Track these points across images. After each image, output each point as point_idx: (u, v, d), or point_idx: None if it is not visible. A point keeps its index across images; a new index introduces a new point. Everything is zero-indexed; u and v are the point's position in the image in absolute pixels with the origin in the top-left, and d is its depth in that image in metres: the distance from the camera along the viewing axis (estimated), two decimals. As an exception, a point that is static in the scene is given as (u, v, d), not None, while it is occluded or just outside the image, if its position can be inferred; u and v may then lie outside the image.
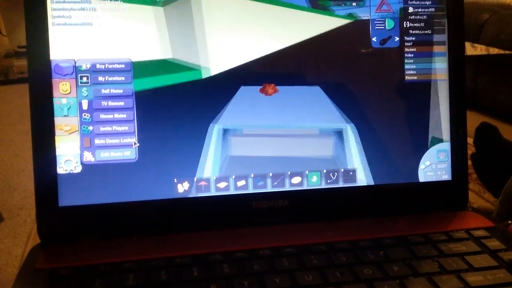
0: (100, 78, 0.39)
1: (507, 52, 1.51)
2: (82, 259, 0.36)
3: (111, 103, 0.39)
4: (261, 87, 0.42)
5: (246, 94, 0.41)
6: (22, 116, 1.76)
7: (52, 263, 0.36)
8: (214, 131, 0.41)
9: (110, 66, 0.39)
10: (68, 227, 0.39)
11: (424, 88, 0.44)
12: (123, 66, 0.39)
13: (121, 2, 0.39)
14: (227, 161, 0.41)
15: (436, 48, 0.45)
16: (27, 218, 1.08)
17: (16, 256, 1.01)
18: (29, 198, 1.15)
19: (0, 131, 1.65)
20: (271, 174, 0.42)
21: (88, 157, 0.39)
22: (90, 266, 0.35)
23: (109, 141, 0.39)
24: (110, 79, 0.39)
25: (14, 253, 1.01)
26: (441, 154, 0.44)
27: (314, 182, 0.42)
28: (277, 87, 0.42)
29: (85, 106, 0.39)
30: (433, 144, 0.44)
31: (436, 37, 0.45)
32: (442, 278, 0.34)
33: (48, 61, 0.38)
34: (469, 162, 0.52)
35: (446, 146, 0.44)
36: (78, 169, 0.39)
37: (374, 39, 0.44)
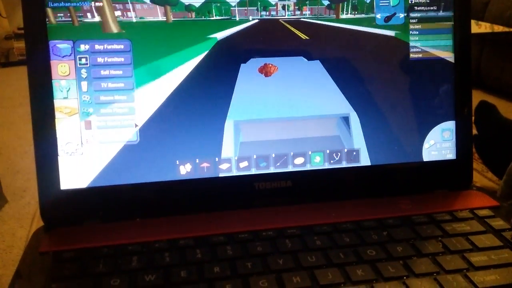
0: (99, 59, 0.39)
1: (511, 30, 1.49)
2: (85, 241, 0.36)
3: (111, 85, 0.39)
4: (261, 66, 0.41)
5: (247, 77, 0.41)
6: (24, 98, 1.75)
7: (56, 246, 0.36)
8: (221, 116, 0.40)
9: (109, 47, 0.39)
10: (71, 209, 0.39)
11: (429, 66, 0.44)
12: (122, 46, 0.39)
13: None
14: (235, 144, 0.41)
15: (442, 25, 0.44)
16: (31, 200, 1.09)
17: (20, 238, 1.01)
18: (33, 180, 1.15)
19: (2, 114, 1.65)
20: (273, 155, 0.41)
21: (89, 139, 0.39)
22: (94, 248, 0.35)
23: (110, 123, 0.39)
24: (110, 60, 0.39)
25: (19, 235, 1.02)
26: (445, 133, 0.44)
27: (317, 162, 0.42)
28: (277, 66, 0.41)
29: (84, 88, 0.38)
30: (437, 123, 0.44)
31: (442, 14, 0.44)
32: (446, 258, 0.34)
33: (46, 43, 0.38)
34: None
35: (451, 125, 0.44)
36: (79, 151, 0.39)
37: (378, 16, 0.43)
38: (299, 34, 0.42)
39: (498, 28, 1.54)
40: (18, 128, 1.50)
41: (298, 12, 0.42)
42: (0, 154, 1.26)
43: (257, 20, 0.41)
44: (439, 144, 0.44)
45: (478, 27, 1.58)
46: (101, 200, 0.39)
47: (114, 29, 0.39)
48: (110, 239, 0.36)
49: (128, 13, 0.39)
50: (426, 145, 0.43)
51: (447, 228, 0.38)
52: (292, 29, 0.42)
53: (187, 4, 0.40)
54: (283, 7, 0.42)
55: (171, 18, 0.40)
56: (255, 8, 0.41)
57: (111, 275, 0.32)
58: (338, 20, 0.42)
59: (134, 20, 0.39)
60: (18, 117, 1.59)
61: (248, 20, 0.41)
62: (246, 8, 0.41)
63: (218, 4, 0.41)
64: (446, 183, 0.44)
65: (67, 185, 0.38)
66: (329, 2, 0.42)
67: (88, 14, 0.38)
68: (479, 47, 1.69)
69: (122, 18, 0.39)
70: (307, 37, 0.42)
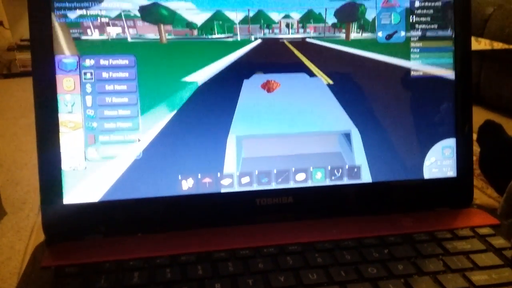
0: (104, 74, 0.39)
1: (511, 46, 1.50)
2: (87, 256, 0.36)
3: (115, 100, 0.39)
4: (264, 82, 0.42)
5: (250, 92, 0.41)
6: (25, 109, 1.76)
7: (58, 261, 0.36)
8: (223, 131, 0.41)
9: (114, 62, 0.39)
10: (73, 224, 0.39)
11: (429, 83, 0.44)
12: (127, 62, 0.39)
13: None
14: (237, 160, 0.41)
15: (442, 43, 0.44)
16: (30, 213, 1.09)
17: (18, 251, 1.01)
18: (32, 192, 1.15)
19: (3, 125, 1.66)
20: (275, 171, 0.42)
21: (93, 153, 0.39)
22: (96, 263, 0.35)
23: (113, 137, 0.39)
24: (114, 75, 0.39)
25: (17, 247, 1.01)
26: (446, 151, 0.44)
27: (319, 178, 0.42)
28: (279, 82, 0.42)
29: (89, 102, 0.39)
30: (438, 140, 0.44)
31: (442, 32, 0.44)
32: (447, 277, 0.34)
33: (52, 57, 0.38)
34: (474, 158, 0.51)
35: (451, 142, 0.44)
36: (83, 165, 0.39)
37: (379, 34, 0.43)
38: (302, 59, 0.42)
39: (498, 45, 1.55)
40: (19, 139, 1.50)
41: (301, 30, 0.43)
42: (0, 166, 1.26)
43: (259, 41, 0.42)
44: (439, 161, 0.44)
45: (477, 44, 1.60)
46: (104, 215, 0.39)
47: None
48: (112, 254, 0.36)
49: (131, 29, 0.40)
50: (427, 162, 0.44)
51: (448, 246, 0.38)
52: (295, 51, 0.42)
53: (188, 21, 0.41)
54: (287, 25, 0.42)
55: (165, 38, 0.40)
56: (258, 25, 0.42)
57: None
58: (340, 39, 0.43)
59: (137, 36, 0.40)
60: (19, 129, 1.60)
61: (250, 41, 0.42)
62: (248, 25, 0.42)
63: (220, 22, 0.41)
64: (447, 201, 0.44)
65: (70, 200, 0.38)
66: (335, 21, 0.43)
67: (94, 30, 0.39)
68: (479, 63, 1.70)
69: (123, 34, 0.39)
70: (311, 62, 0.42)
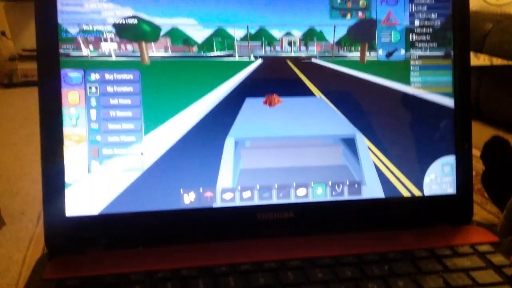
0: (109, 89, 0.39)
1: (510, 62, 1.52)
2: (89, 269, 0.36)
3: (119, 114, 0.40)
4: (265, 98, 0.42)
5: (251, 106, 0.42)
6: (26, 120, 1.76)
7: (59, 274, 0.36)
8: (224, 143, 0.41)
9: (119, 77, 0.40)
10: (75, 236, 0.39)
11: (429, 101, 0.45)
12: (131, 77, 0.40)
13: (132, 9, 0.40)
14: (237, 173, 0.41)
15: (442, 61, 0.45)
16: (29, 223, 1.08)
17: (17, 262, 1.01)
18: (31, 202, 1.15)
19: (3, 135, 1.66)
20: (276, 186, 0.42)
21: (96, 166, 0.39)
22: (97, 276, 0.35)
23: (117, 151, 0.40)
24: (119, 89, 0.40)
25: (15, 258, 1.01)
26: (446, 168, 0.44)
27: (320, 194, 0.43)
28: (281, 98, 0.42)
29: (93, 116, 0.39)
30: (438, 157, 0.44)
31: (442, 50, 0.45)
32: (447, 293, 0.34)
33: (57, 71, 0.39)
34: (474, 174, 0.51)
35: (451, 159, 0.44)
36: (86, 178, 0.39)
37: (380, 51, 0.44)
38: (303, 79, 0.43)
39: (497, 61, 1.57)
40: (19, 149, 1.50)
41: (303, 48, 0.43)
42: (7, 180, 1.26)
43: (261, 61, 0.42)
44: (439, 178, 0.44)
45: (477, 59, 1.61)
46: (106, 228, 0.39)
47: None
48: (114, 267, 0.36)
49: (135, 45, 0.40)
50: (427, 179, 0.44)
51: (448, 263, 0.38)
52: (297, 72, 0.43)
53: (189, 38, 0.41)
54: (289, 43, 0.43)
55: (147, 59, 0.41)
56: (259, 43, 0.42)
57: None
58: (348, 59, 0.44)
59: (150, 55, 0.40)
60: (19, 139, 1.60)
61: (250, 62, 0.42)
62: (248, 43, 0.42)
63: (220, 39, 0.42)
64: (447, 218, 0.45)
65: (73, 212, 0.39)
66: (337, 40, 0.43)
67: (99, 45, 0.40)
68: (478, 78, 1.71)
69: (127, 50, 0.40)
70: (311, 82, 0.43)
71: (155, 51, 0.41)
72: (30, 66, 2.33)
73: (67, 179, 0.39)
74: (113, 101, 0.40)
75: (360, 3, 0.43)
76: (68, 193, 0.39)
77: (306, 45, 0.43)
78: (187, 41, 0.41)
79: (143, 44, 0.40)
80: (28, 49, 2.44)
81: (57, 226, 0.38)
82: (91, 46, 0.39)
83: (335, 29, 0.43)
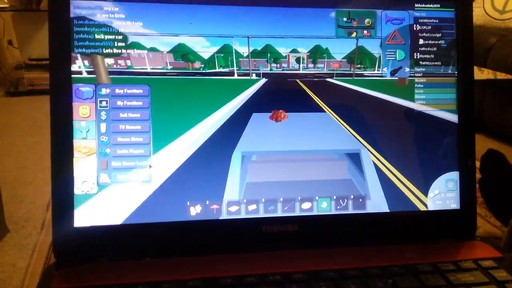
0: (119, 103, 0.40)
1: (514, 76, 1.53)
2: (96, 279, 0.37)
3: (129, 127, 0.40)
4: (271, 114, 0.43)
5: (258, 121, 0.42)
6: (31, 128, 1.77)
7: (67, 284, 0.36)
8: (231, 157, 0.42)
9: (129, 91, 0.40)
10: (83, 247, 0.40)
11: (433, 117, 0.45)
12: (141, 91, 0.41)
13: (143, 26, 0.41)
14: (240, 185, 0.42)
15: (446, 79, 0.46)
16: (33, 231, 1.09)
17: (20, 269, 1.01)
18: (36, 210, 1.15)
19: (9, 143, 1.67)
20: (281, 199, 0.43)
21: (105, 178, 0.40)
22: (104, 287, 0.36)
23: (125, 163, 0.40)
24: (129, 103, 0.40)
25: (19, 265, 1.01)
26: (449, 183, 0.45)
27: (324, 208, 0.43)
28: (287, 114, 0.43)
29: (103, 129, 0.40)
30: (442, 173, 0.45)
31: (446, 69, 0.46)
32: (451, 308, 0.35)
33: (69, 85, 0.39)
34: (477, 187, 0.52)
35: (454, 175, 0.45)
36: (95, 190, 0.40)
37: (385, 69, 0.45)
38: (311, 97, 0.44)
39: (501, 75, 1.58)
40: (24, 157, 1.51)
41: (311, 65, 0.44)
42: (4, 183, 1.27)
43: (267, 78, 0.43)
44: (443, 194, 0.45)
45: (480, 73, 1.62)
46: (113, 239, 0.40)
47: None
48: (121, 278, 0.37)
49: (146, 60, 0.41)
50: (430, 194, 0.45)
51: (451, 278, 0.38)
52: (305, 88, 0.44)
53: (192, 53, 0.42)
54: (297, 60, 0.44)
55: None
56: (265, 59, 0.43)
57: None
58: (347, 77, 0.44)
59: (151, 68, 0.41)
60: (24, 147, 1.61)
61: (257, 80, 0.43)
62: (255, 60, 0.43)
63: (222, 55, 0.43)
64: (451, 233, 0.45)
65: (81, 223, 0.39)
66: (342, 57, 0.44)
67: (110, 60, 0.40)
68: (481, 92, 1.71)
69: (138, 65, 0.41)
70: (320, 101, 0.44)
71: (167, 66, 0.42)
72: (36, 75, 2.35)
73: (76, 190, 0.39)
74: (123, 115, 0.40)
75: (366, 21, 0.44)
76: (77, 204, 0.39)
77: (314, 62, 0.44)
78: (193, 57, 0.42)
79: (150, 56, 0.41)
80: (35, 58, 2.46)
81: (66, 237, 0.39)
82: (102, 61, 0.40)
83: (341, 47, 0.44)
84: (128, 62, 0.41)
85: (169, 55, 0.42)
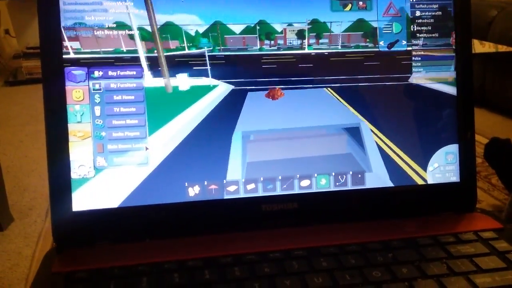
0: (112, 85, 0.40)
1: (515, 49, 1.51)
2: (96, 262, 0.37)
3: (123, 109, 0.40)
4: (266, 92, 0.42)
5: (254, 101, 0.42)
6: (31, 117, 1.77)
7: (68, 267, 0.36)
8: (229, 137, 0.41)
9: (122, 73, 0.40)
10: (82, 231, 0.40)
11: (431, 91, 0.45)
12: (134, 72, 0.40)
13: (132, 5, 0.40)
14: (242, 166, 0.42)
15: (443, 51, 0.45)
16: (37, 219, 1.10)
17: (26, 257, 1.02)
18: (39, 198, 1.16)
19: (10, 132, 1.67)
20: (280, 177, 0.42)
21: (101, 162, 0.40)
22: (105, 269, 0.36)
23: (121, 146, 0.40)
24: (122, 85, 0.40)
25: (25, 253, 1.02)
26: (449, 156, 0.44)
27: (323, 184, 0.43)
28: (283, 91, 0.43)
29: (97, 112, 0.40)
30: (441, 146, 0.44)
31: (443, 41, 0.45)
32: (451, 279, 0.35)
33: (61, 69, 0.39)
34: (480, 161, 0.52)
35: (454, 148, 0.45)
36: (92, 174, 0.40)
37: (381, 42, 0.44)
38: (308, 72, 0.43)
39: (502, 48, 1.56)
40: (25, 146, 1.51)
41: (313, 41, 0.43)
42: (7, 173, 1.27)
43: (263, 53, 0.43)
44: (443, 167, 0.44)
45: (482, 47, 1.60)
46: (112, 222, 0.40)
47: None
48: (121, 260, 0.37)
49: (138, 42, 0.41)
50: (430, 167, 0.44)
51: (452, 250, 0.38)
52: (300, 64, 0.43)
53: (182, 33, 0.41)
54: (298, 35, 0.43)
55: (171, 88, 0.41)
56: (256, 35, 0.42)
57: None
58: (341, 48, 0.44)
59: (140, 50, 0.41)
60: (25, 136, 1.61)
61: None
62: (244, 36, 0.42)
63: (218, 34, 0.42)
64: (451, 206, 0.45)
65: (79, 207, 0.39)
66: (338, 32, 0.43)
67: (102, 42, 0.40)
68: (483, 66, 1.70)
69: (130, 47, 0.40)
70: (317, 77, 0.43)
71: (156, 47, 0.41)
72: (34, 63, 2.34)
73: (73, 174, 0.39)
74: (117, 97, 0.40)
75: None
76: (74, 188, 0.39)
77: (318, 37, 0.43)
78: (184, 36, 0.41)
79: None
80: (32, 47, 2.44)
81: (65, 221, 0.39)
82: (93, 43, 0.40)
83: (339, 20, 0.43)
84: (124, 42, 0.40)
85: (158, 34, 0.41)
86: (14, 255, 0.98)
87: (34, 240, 0.95)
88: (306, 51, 0.43)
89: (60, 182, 0.39)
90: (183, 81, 0.41)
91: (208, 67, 0.41)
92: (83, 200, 0.39)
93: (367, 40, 0.44)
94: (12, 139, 1.59)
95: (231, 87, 0.42)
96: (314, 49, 0.43)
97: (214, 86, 0.41)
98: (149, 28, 0.41)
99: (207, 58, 0.42)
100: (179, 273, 0.36)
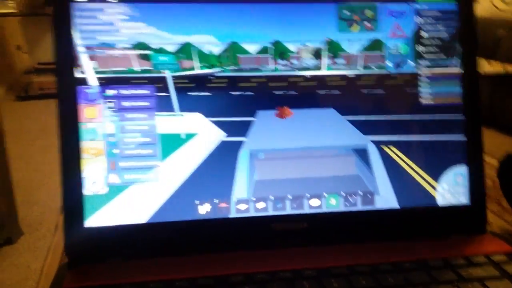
0: (125, 104, 0.41)
1: (524, 68, 1.50)
2: (108, 278, 0.37)
3: (136, 127, 0.41)
4: (277, 111, 0.43)
5: (264, 119, 0.42)
6: (42, 131, 1.79)
7: (79, 283, 0.37)
8: (238, 156, 0.42)
9: (135, 92, 0.41)
10: (95, 247, 0.40)
11: (439, 111, 0.45)
12: (148, 92, 0.41)
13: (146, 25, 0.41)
14: (250, 185, 0.42)
15: (450, 72, 0.45)
16: (47, 233, 1.10)
17: (35, 270, 1.02)
18: (49, 212, 1.16)
19: (20, 146, 1.69)
20: (290, 197, 0.43)
21: (114, 179, 0.40)
22: (116, 285, 0.36)
23: (134, 163, 0.41)
24: (135, 104, 0.41)
25: (33, 267, 1.02)
26: (458, 178, 0.44)
27: (333, 204, 0.43)
28: (292, 110, 0.43)
29: (110, 130, 0.40)
30: (450, 167, 0.44)
31: (450, 61, 0.45)
32: (462, 303, 0.35)
33: (75, 87, 0.40)
34: (490, 183, 0.51)
35: (463, 169, 0.45)
36: (104, 190, 0.40)
37: (389, 63, 0.45)
38: (316, 92, 0.43)
39: (511, 67, 1.55)
40: (36, 161, 1.53)
41: (329, 61, 0.44)
42: (17, 186, 1.28)
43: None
44: (452, 188, 0.44)
45: (490, 66, 1.60)
46: (124, 238, 0.40)
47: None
48: (132, 276, 0.37)
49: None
50: (439, 189, 0.44)
51: (463, 273, 0.38)
52: (307, 84, 0.44)
53: (199, 53, 0.42)
54: (315, 54, 0.43)
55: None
56: (271, 55, 0.43)
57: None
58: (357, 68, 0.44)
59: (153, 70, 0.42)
60: (35, 150, 1.62)
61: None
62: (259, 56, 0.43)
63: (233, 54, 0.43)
64: (461, 228, 0.45)
65: (91, 224, 0.40)
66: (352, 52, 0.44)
67: (116, 61, 0.41)
68: (491, 85, 1.69)
69: (142, 66, 0.41)
70: (325, 97, 0.43)
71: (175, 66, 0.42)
72: (45, 79, 2.37)
73: (86, 191, 0.40)
74: (130, 115, 0.41)
75: (367, 14, 0.44)
76: (87, 204, 0.40)
77: (334, 57, 0.44)
78: (201, 56, 0.42)
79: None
80: (44, 63, 2.48)
81: (77, 237, 0.39)
82: (107, 62, 0.41)
83: (351, 42, 0.44)
84: (132, 63, 0.41)
85: (176, 55, 0.42)
86: (23, 269, 0.98)
87: (43, 254, 0.96)
88: (322, 71, 0.44)
89: (73, 199, 0.40)
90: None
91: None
92: (95, 216, 0.40)
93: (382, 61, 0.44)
94: (22, 154, 1.61)
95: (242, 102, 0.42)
96: (333, 69, 0.44)
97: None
98: (164, 47, 0.41)
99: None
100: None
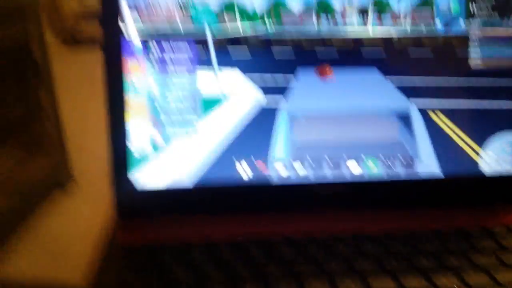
0: (167, 57, 0.41)
1: None
2: (157, 235, 0.39)
3: (177, 81, 0.41)
4: (317, 69, 0.42)
5: (303, 78, 0.42)
6: (90, 77, 1.83)
7: (130, 238, 0.39)
8: (277, 116, 0.42)
9: (177, 48, 0.41)
10: (143, 203, 0.42)
11: (490, 75, 0.43)
12: (189, 48, 0.41)
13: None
14: (288, 145, 0.42)
15: (504, 33, 0.42)
16: (97, 180, 1.14)
17: (86, 218, 1.07)
18: (97, 160, 1.21)
19: (68, 93, 1.74)
20: (328, 158, 0.42)
21: (157, 135, 0.41)
22: (162, 241, 0.38)
23: (175, 118, 0.41)
24: (176, 59, 0.41)
25: (85, 213, 1.07)
26: (506, 146, 0.43)
27: (372, 168, 0.43)
28: (332, 69, 0.42)
29: (152, 83, 0.41)
30: (498, 135, 0.43)
31: (504, 22, 0.42)
32: (500, 271, 0.35)
33: (119, 40, 0.40)
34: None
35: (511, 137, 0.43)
36: (148, 145, 0.41)
37: (438, 22, 0.42)
38: (359, 50, 0.42)
39: None
40: (84, 107, 1.57)
41: (375, 21, 0.42)
42: (69, 134, 1.33)
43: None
44: (500, 156, 0.43)
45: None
46: (170, 197, 0.42)
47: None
48: (178, 234, 0.39)
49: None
50: (486, 157, 0.43)
51: (503, 242, 0.38)
52: (352, 42, 0.42)
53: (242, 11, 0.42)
54: (361, 13, 0.42)
55: None
56: (315, 13, 0.42)
57: (180, 267, 0.36)
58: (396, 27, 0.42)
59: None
60: (82, 97, 1.67)
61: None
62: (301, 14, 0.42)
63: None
64: (505, 197, 0.44)
65: (137, 181, 0.41)
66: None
67: (160, 15, 0.41)
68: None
69: (186, 19, 0.41)
70: (369, 56, 0.42)
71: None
72: (93, 25, 2.40)
73: (130, 145, 0.41)
74: (171, 68, 0.41)
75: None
76: (132, 161, 0.41)
77: (380, 13, 0.42)
78: (243, 15, 0.42)
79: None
80: (91, 7, 2.50)
81: (125, 194, 0.41)
82: (150, 17, 0.41)
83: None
84: (175, 20, 0.41)
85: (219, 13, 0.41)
86: (74, 215, 1.03)
87: (94, 199, 1.01)
88: (367, 29, 0.42)
89: (119, 155, 0.41)
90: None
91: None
92: (141, 173, 0.41)
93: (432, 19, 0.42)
94: (70, 99, 1.66)
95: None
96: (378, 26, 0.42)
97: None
98: (208, 5, 0.41)
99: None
100: (231, 249, 0.37)
